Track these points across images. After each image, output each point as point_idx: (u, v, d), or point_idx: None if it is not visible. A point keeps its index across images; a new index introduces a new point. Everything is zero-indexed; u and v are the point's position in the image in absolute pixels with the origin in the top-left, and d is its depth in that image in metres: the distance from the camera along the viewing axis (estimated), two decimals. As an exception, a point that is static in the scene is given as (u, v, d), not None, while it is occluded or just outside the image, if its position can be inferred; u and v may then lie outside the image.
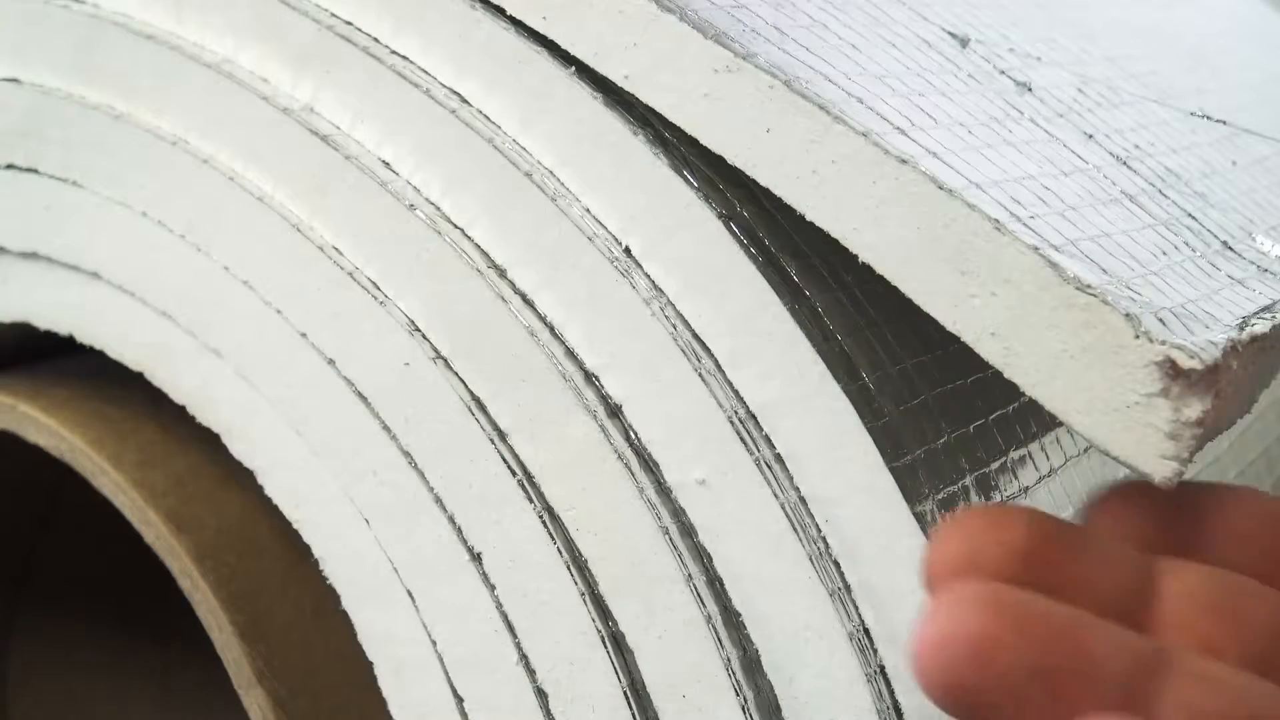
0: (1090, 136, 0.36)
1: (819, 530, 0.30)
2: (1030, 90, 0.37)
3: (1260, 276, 0.33)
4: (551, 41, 0.31)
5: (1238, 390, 0.26)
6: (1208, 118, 0.45)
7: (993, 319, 0.26)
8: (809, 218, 0.28)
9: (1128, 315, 0.25)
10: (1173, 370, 0.25)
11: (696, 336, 0.30)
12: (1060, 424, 0.31)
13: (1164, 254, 0.31)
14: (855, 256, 0.28)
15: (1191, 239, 0.34)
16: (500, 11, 0.32)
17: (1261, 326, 0.27)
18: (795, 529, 0.30)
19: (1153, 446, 0.25)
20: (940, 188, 0.27)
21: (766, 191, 0.29)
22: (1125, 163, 0.36)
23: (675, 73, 0.30)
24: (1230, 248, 0.34)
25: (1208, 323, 0.27)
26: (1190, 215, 0.35)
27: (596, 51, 0.30)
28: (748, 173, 0.29)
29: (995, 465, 0.32)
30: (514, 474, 0.32)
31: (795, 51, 0.31)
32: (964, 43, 0.37)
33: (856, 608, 0.30)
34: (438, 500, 0.33)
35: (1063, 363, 0.26)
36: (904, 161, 0.27)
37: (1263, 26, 0.69)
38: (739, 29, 0.30)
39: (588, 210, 0.31)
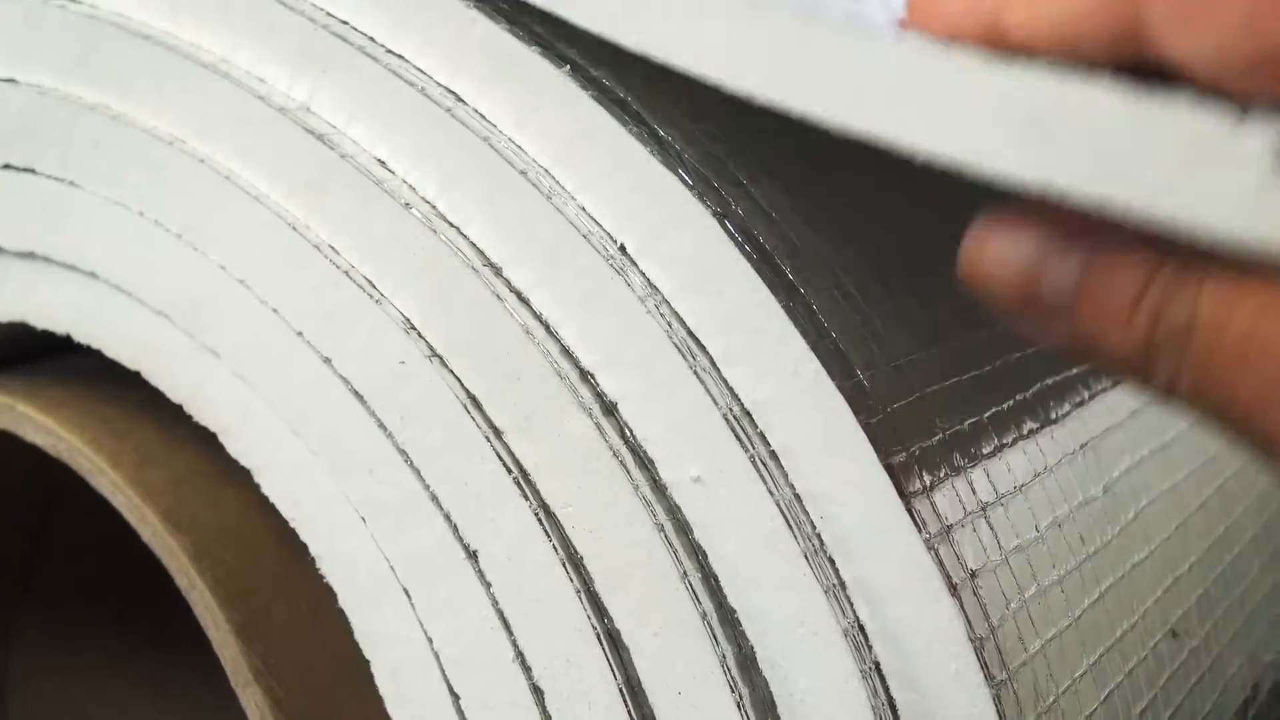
0: None
1: (814, 527, 0.30)
2: None
3: None
4: (546, 40, 0.31)
5: None
6: None
7: (1087, 167, 0.25)
8: (858, 131, 0.27)
9: (1219, 115, 0.24)
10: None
11: (691, 334, 0.30)
12: (1054, 420, 0.31)
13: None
14: (856, 256, 0.28)
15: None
16: (496, 11, 0.32)
17: None
18: (790, 526, 0.30)
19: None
20: (991, 63, 0.26)
21: (763, 190, 0.29)
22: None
23: (693, 21, 0.28)
24: None
25: None
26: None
27: (605, 20, 0.30)
28: (786, 104, 0.27)
29: (990, 462, 0.32)
30: (510, 471, 0.32)
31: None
32: None
33: (851, 604, 0.30)
34: (434, 498, 0.33)
35: (1170, 179, 0.24)
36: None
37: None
38: None
39: (583, 208, 0.31)
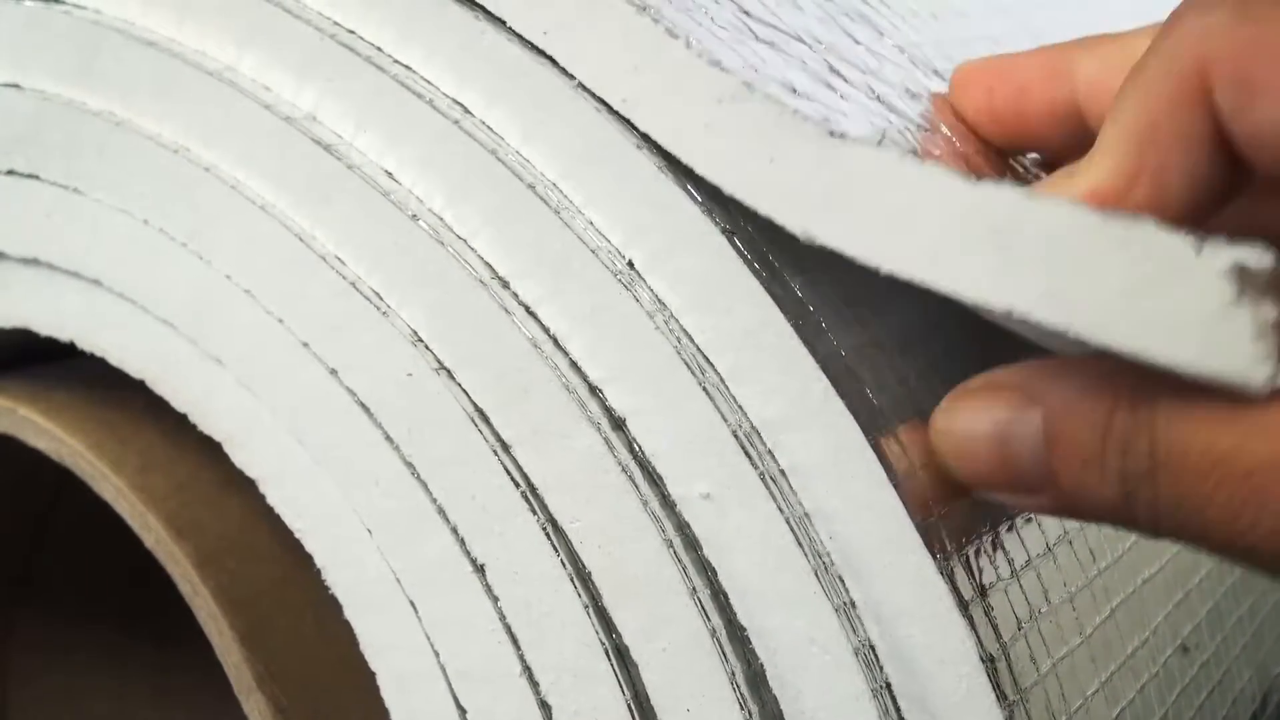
0: None
1: (823, 545, 0.30)
2: None
3: None
4: (554, 56, 0.31)
5: None
6: None
7: (1048, 279, 0.26)
8: (819, 241, 0.28)
9: (1183, 236, 0.24)
10: (1242, 275, 0.24)
11: (700, 350, 0.30)
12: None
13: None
14: (862, 272, 0.28)
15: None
16: (504, 23, 0.31)
17: None
18: (800, 543, 0.30)
19: (1242, 353, 0.24)
20: (965, 178, 0.27)
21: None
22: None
23: (677, 101, 0.29)
24: None
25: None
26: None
27: (596, 73, 0.30)
28: (747, 203, 0.29)
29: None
30: (517, 485, 0.32)
31: (786, 93, 0.31)
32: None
33: (862, 623, 0.29)
34: (440, 511, 0.33)
35: (1126, 301, 0.25)
36: (924, 162, 0.27)
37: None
38: (739, 63, 0.30)
39: (591, 223, 0.31)
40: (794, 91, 0.31)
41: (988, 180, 0.27)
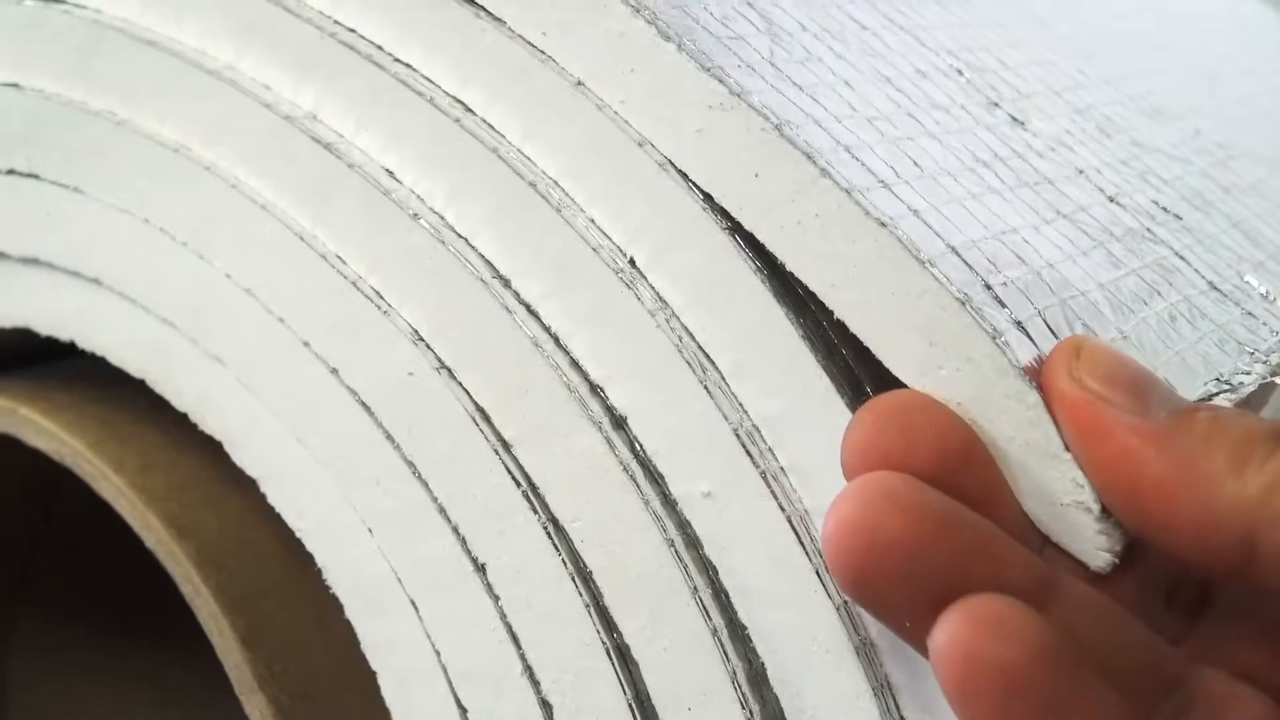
0: (1081, 172, 0.36)
1: (825, 543, 0.30)
2: (1024, 126, 0.37)
3: (1244, 320, 0.34)
4: (555, 55, 0.31)
5: None
6: (1201, 135, 0.45)
7: (958, 392, 0.27)
8: (789, 268, 0.29)
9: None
10: None
11: (702, 348, 0.30)
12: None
13: (1144, 303, 0.32)
14: None
15: (1178, 281, 0.34)
16: (504, 22, 0.31)
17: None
18: (801, 541, 0.29)
19: (1087, 540, 0.27)
20: (915, 256, 0.27)
21: None
22: (1114, 199, 0.36)
23: (670, 104, 0.30)
24: (1216, 288, 0.35)
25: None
26: (1179, 255, 0.35)
27: (593, 73, 0.30)
28: (733, 214, 0.29)
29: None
30: (518, 485, 0.32)
31: (788, 90, 0.31)
32: (960, 73, 0.37)
33: (863, 621, 0.29)
34: (441, 510, 0.33)
35: (1011, 449, 0.27)
36: (883, 225, 0.28)
37: (1263, 31, 0.69)
38: (734, 62, 0.30)
39: (592, 221, 0.31)
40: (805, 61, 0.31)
41: (937, 269, 0.28)
